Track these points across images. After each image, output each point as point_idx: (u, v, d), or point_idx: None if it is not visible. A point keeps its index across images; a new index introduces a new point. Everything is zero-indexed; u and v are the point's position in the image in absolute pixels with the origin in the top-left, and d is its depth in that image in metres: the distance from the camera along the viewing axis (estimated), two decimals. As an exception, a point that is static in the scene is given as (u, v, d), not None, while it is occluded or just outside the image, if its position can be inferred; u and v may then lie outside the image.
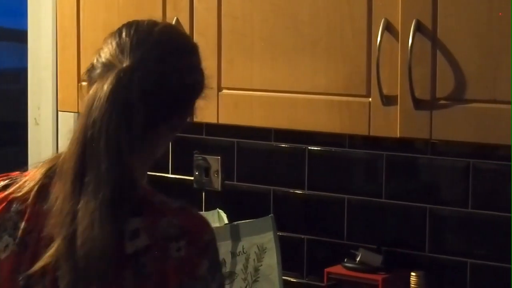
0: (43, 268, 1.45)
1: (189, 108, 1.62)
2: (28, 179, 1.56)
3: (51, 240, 1.45)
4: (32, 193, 1.54)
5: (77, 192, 1.44)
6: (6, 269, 1.52)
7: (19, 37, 3.26)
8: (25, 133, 3.21)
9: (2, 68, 3.59)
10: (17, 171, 1.63)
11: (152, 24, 1.61)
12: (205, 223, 1.50)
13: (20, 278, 1.49)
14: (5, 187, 1.58)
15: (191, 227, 1.47)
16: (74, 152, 1.47)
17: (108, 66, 1.53)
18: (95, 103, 1.47)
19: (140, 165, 1.55)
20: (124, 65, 1.51)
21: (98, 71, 1.54)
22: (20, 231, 1.52)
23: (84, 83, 1.60)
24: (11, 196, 1.56)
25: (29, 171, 1.60)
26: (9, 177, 1.61)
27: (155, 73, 1.53)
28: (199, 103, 1.64)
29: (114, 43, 1.56)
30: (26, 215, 1.53)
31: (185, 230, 1.46)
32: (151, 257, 1.44)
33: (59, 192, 1.47)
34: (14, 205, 1.55)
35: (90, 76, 1.56)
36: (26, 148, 3.21)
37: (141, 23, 1.60)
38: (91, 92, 1.50)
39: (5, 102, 3.55)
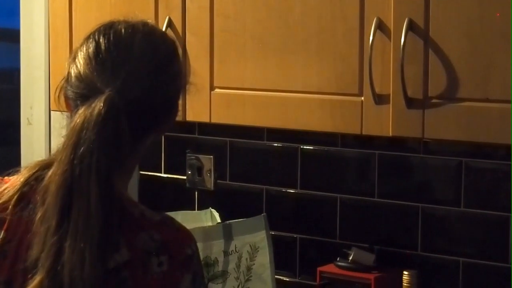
0: None
1: (176, 109, 1.59)
2: (8, 187, 1.53)
3: (30, 267, 1.41)
4: (12, 202, 1.50)
5: (64, 227, 1.39)
6: None
7: (12, 37, 3.25)
8: (18, 133, 3.21)
9: (-5, 67, 3.59)
10: (10, 170, 1.61)
11: (131, 31, 1.53)
12: (187, 236, 1.48)
13: None
14: None
15: (172, 241, 1.44)
16: (61, 186, 1.41)
17: (89, 86, 1.47)
18: (82, 135, 1.41)
19: (125, 177, 1.53)
20: (109, 90, 1.44)
21: (78, 87, 1.49)
22: None
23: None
24: None
25: (9, 177, 1.56)
26: None
27: (143, 93, 1.48)
28: (191, 103, 1.63)
29: (92, 54, 1.51)
30: (6, 225, 1.49)
31: (166, 245, 1.43)
32: (132, 272, 1.41)
33: (41, 221, 1.42)
34: None
35: (67, 88, 1.51)
36: (18, 148, 3.20)
37: (118, 30, 1.53)
38: (78, 119, 1.43)
39: (-3, 101, 3.55)
